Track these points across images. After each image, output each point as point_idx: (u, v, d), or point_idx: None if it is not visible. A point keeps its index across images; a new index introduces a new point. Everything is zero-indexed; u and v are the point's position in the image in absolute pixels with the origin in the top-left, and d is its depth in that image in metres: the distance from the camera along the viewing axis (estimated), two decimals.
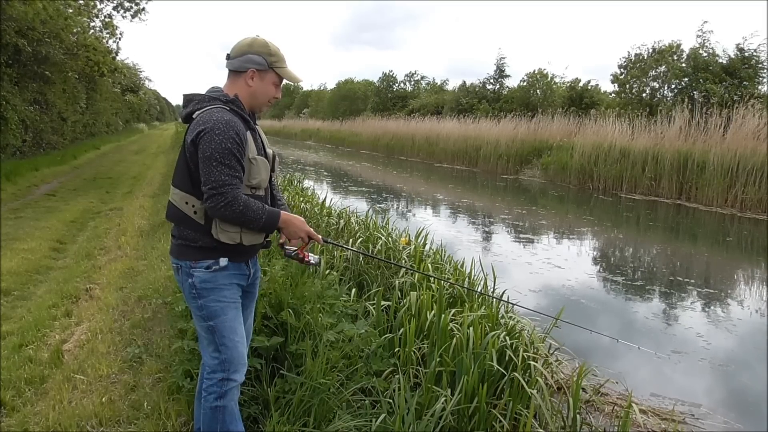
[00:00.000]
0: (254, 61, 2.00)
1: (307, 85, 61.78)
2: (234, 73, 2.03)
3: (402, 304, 3.45)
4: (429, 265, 4.39)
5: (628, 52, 22.37)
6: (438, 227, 8.91)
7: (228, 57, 2.04)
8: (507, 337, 3.03)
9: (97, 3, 16.46)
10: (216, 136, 1.85)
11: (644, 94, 21.35)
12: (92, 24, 16.70)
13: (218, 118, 1.88)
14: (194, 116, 1.94)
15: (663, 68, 20.45)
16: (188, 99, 2.02)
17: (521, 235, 9.21)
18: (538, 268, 6.76)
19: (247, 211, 1.90)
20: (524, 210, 11.68)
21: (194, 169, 1.92)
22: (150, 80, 59.70)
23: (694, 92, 18.21)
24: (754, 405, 3.67)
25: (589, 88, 24.87)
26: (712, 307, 5.67)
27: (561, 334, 3.61)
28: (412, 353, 2.92)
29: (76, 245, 6.44)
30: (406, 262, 4.51)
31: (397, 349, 2.93)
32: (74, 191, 10.90)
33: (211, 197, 1.86)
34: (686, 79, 19.11)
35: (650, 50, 21.38)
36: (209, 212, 1.91)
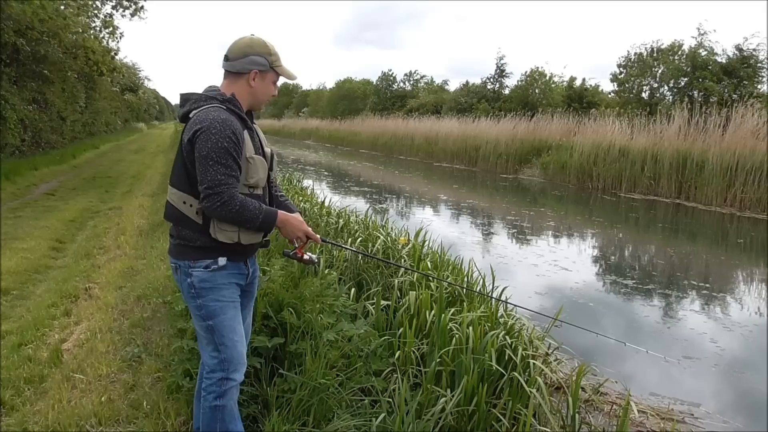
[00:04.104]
0: (257, 63, 1.99)
1: (306, 84, 61.89)
2: (234, 74, 2.02)
3: (401, 303, 3.45)
4: (428, 263, 4.39)
5: (628, 52, 22.43)
6: (443, 228, 8.90)
7: (226, 58, 2.02)
8: (506, 337, 3.03)
9: (97, 2, 16.46)
10: (212, 135, 1.84)
11: (643, 94, 21.38)
12: (93, 25, 16.70)
13: (215, 117, 1.88)
14: (191, 115, 1.94)
15: (663, 68, 20.47)
16: (185, 98, 2.01)
17: (527, 237, 9.18)
18: (544, 270, 6.70)
19: (244, 211, 1.89)
20: (531, 211, 11.65)
21: (191, 168, 1.91)
22: (149, 79, 59.78)
23: (694, 91, 18.25)
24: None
25: (588, 87, 24.90)
26: (724, 311, 5.56)
27: (563, 334, 3.61)
28: (412, 353, 2.92)
29: (75, 244, 6.44)
30: (405, 261, 4.51)
31: (397, 353, 2.92)
32: (73, 190, 10.90)
33: (207, 197, 1.85)
34: (685, 79, 19.14)
35: (650, 50, 21.41)
36: (205, 212, 1.91)
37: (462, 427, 2.49)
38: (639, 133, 14.95)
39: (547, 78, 26.77)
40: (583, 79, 25.62)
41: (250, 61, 1.99)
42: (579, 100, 24.12)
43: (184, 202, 1.96)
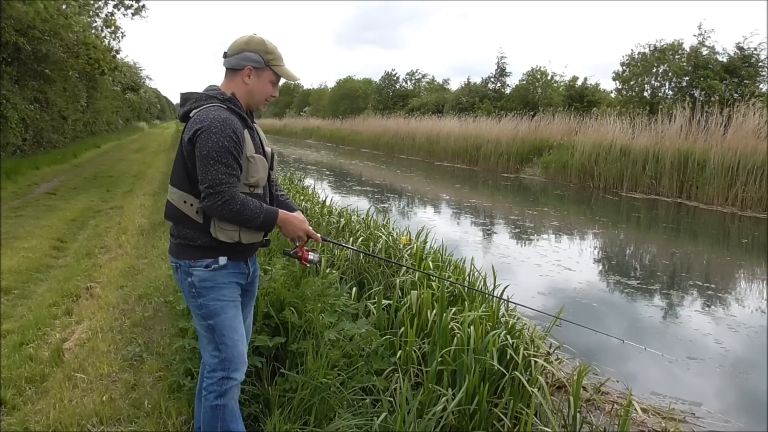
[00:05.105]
0: (251, 59, 1.99)
1: (307, 83, 61.90)
2: (231, 71, 2.02)
3: (402, 302, 3.45)
4: (430, 263, 4.38)
5: (632, 50, 22.38)
6: (445, 228, 8.89)
7: (225, 55, 2.03)
8: (508, 336, 3.02)
9: (99, 2, 16.45)
10: (213, 135, 1.84)
11: (645, 93, 21.34)
12: (94, 24, 16.69)
13: (215, 116, 1.87)
14: (191, 115, 1.94)
15: (665, 66, 20.42)
16: (185, 98, 2.01)
17: (530, 236, 9.16)
18: (547, 270, 6.67)
19: (245, 210, 1.89)
20: (533, 211, 11.63)
21: (192, 167, 1.91)
22: (150, 79, 59.62)
23: (695, 90, 18.21)
24: None
25: (588, 86, 24.86)
26: (729, 312, 5.50)
27: (565, 334, 3.60)
28: (413, 352, 2.92)
29: (76, 244, 6.44)
30: (406, 260, 4.50)
31: (398, 353, 2.92)
32: (75, 190, 10.90)
33: (208, 196, 1.85)
34: (686, 78, 19.10)
35: (652, 48, 21.36)
36: (206, 211, 1.91)
37: (463, 426, 2.49)
38: (640, 133, 14.94)
39: (549, 77, 26.75)
40: (585, 78, 25.60)
41: (244, 57, 1.99)
42: (580, 99, 24.09)
43: (185, 202, 1.96)
